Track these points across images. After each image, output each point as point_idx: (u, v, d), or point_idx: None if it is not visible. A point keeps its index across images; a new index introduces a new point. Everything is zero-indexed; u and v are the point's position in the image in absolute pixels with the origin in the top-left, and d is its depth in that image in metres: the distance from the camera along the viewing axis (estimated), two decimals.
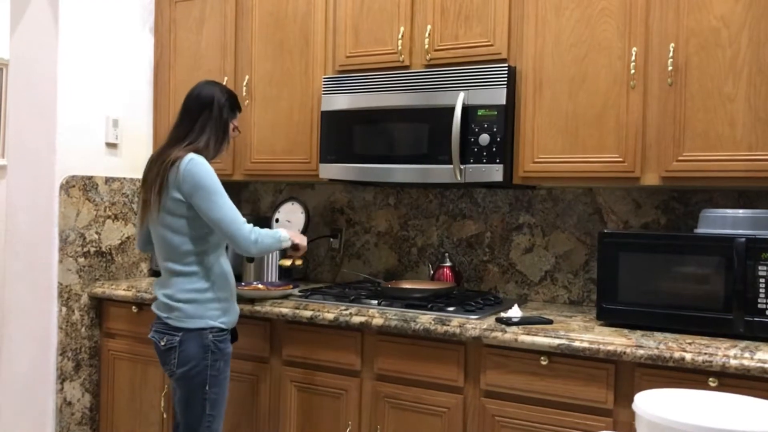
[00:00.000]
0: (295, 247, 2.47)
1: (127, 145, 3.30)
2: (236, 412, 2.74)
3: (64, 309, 3.01)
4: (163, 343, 2.28)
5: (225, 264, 2.36)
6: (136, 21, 3.32)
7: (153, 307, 2.37)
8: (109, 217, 3.19)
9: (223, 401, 2.33)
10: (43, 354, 3.01)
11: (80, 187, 3.06)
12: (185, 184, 2.19)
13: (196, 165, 2.20)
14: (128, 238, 3.28)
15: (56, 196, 2.99)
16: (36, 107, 3.06)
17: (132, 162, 3.32)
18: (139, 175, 3.30)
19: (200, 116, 2.32)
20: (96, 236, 3.14)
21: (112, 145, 3.23)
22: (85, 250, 3.09)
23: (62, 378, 3.02)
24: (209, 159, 2.30)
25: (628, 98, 2.37)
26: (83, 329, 3.09)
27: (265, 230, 2.31)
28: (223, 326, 2.30)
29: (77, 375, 3.07)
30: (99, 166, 3.17)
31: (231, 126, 2.41)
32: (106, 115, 3.20)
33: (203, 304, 2.27)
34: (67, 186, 3.01)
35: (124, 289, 3.02)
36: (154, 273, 3.38)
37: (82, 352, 3.09)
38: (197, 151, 2.26)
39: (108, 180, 3.19)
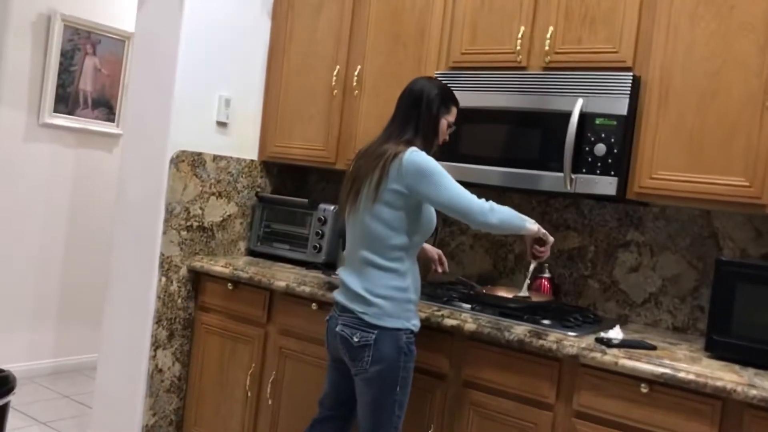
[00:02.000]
0: (540, 241, 2.34)
1: (237, 125, 3.36)
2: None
3: (163, 279, 3.10)
4: (356, 339, 2.18)
5: (418, 269, 2.31)
6: (256, 5, 3.37)
7: (340, 297, 2.28)
8: (213, 194, 3.27)
9: (406, 404, 2.27)
10: (141, 320, 3.11)
11: (189, 162, 3.15)
12: (408, 175, 2.14)
13: (418, 155, 2.16)
14: (229, 216, 3.35)
15: (166, 170, 3.08)
16: (155, 82, 3.16)
17: (240, 142, 3.38)
18: (245, 155, 3.40)
19: (410, 112, 2.26)
20: (200, 211, 3.22)
21: (222, 124, 3.30)
22: (188, 224, 3.18)
23: (156, 345, 3.12)
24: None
25: (761, 119, 2.22)
26: (179, 300, 3.17)
27: (507, 208, 2.21)
28: (414, 329, 2.26)
29: (170, 344, 3.17)
30: (208, 144, 3.24)
31: (444, 122, 2.31)
32: (219, 95, 3.27)
33: (401, 304, 2.20)
34: (177, 160, 3.10)
35: (221, 266, 3.09)
36: (251, 252, 3.45)
37: (176, 323, 3.18)
38: (412, 146, 2.20)
39: (216, 158, 3.26)
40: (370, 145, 2.32)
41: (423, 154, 2.17)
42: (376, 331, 2.17)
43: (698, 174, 2.31)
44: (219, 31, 3.23)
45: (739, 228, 2.56)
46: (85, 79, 4.33)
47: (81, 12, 4.24)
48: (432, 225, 2.29)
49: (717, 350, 2.16)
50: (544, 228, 2.75)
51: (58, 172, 4.30)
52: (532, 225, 2.28)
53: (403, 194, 2.16)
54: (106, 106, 4.45)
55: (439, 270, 2.57)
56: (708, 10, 2.32)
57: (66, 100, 4.25)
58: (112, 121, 4.49)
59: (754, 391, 1.91)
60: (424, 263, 2.52)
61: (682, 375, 2.01)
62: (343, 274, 2.31)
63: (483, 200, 2.17)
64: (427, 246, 2.54)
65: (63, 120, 4.25)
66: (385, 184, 2.17)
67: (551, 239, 2.34)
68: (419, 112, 2.25)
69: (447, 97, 2.31)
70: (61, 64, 4.18)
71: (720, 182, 2.28)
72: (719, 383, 1.95)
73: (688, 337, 2.53)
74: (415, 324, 2.26)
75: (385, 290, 2.19)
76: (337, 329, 2.25)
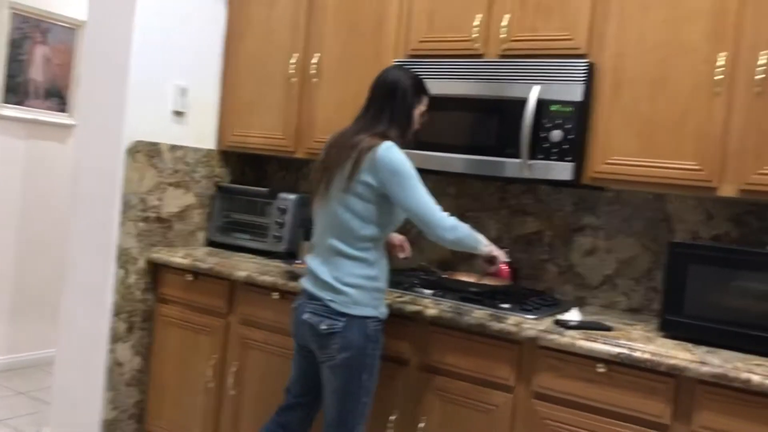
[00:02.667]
0: (491, 260, 2.38)
1: (194, 114, 3.32)
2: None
3: (121, 271, 3.06)
4: (324, 327, 2.20)
5: (386, 258, 2.32)
6: None
7: (308, 285, 2.29)
8: (171, 184, 3.23)
9: (373, 391, 2.29)
10: (99, 313, 3.07)
11: (145, 152, 3.10)
12: (382, 171, 2.15)
13: (394, 152, 2.17)
14: (188, 206, 3.32)
15: (122, 161, 3.03)
16: (108, 71, 3.10)
17: (197, 131, 3.34)
18: (202, 145, 3.36)
19: (385, 103, 2.27)
20: (157, 202, 3.17)
21: (178, 113, 3.26)
22: (146, 215, 3.13)
23: (115, 339, 3.07)
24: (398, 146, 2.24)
25: (711, 105, 2.28)
26: (138, 293, 3.14)
27: (467, 227, 2.25)
28: (381, 317, 2.28)
29: (129, 337, 3.13)
30: (165, 134, 3.20)
31: (417, 111, 2.33)
32: (175, 84, 3.22)
33: (369, 292, 2.22)
34: (133, 151, 3.05)
35: (181, 257, 3.06)
36: (210, 243, 3.42)
37: (136, 315, 3.14)
38: (387, 139, 2.21)
39: (173, 147, 3.22)
40: (342, 134, 2.31)
41: (399, 151, 2.19)
42: (344, 319, 2.19)
43: (651, 158, 2.37)
44: (174, 20, 3.18)
45: (690, 211, 2.63)
46: (35, 69, 4.22)
47: (30, 0, 4.14)
48: (402, 217, 2.30)
49: (671, 330, 2.23)
50: (503, 212, 2.79)
51: (8, 163, 4.19)
52: (484, 247, 2.32)
53: (375, 187, 2.18)
54: (57, 96, 4.35)
55: (401, 256, 2.59)
56: None
57: (16, 90, 4.14)
58: (65, 111, 4.39)
59: (705, 368, 1.97)
60: (387, 249, 2.54)
61: (637, 354, 2.07)
62: (311, 262, 2.31)
63: (447, 214, 2.20)
64: (391, 233, 2.56)
65: (13, 111, 4.14)
66: (357, 176, 2.17)
67: (502, 258, 2.38)
68: (394, 103, 2.26)
69: (420, 87, 2.33)
70: (9, 53, 4.07)
71: (672, 166, 2.34)
72: (673, 361, 2.02)
73: (643, 317, 2.60)
74: (383, 312, 2.28)
75: (354, 279, 2.20)
76: (305, 317, 2.25)
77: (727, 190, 2.27)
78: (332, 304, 2.20)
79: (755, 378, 1.91)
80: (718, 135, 2.27)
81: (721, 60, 2.25)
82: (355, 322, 2.19)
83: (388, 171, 2.15)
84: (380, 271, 2.26)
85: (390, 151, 2.17)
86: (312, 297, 2.26)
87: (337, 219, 2.23)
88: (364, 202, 2.19)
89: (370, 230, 2.21)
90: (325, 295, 2.22)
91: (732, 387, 1.95)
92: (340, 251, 2.22)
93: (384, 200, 2.20)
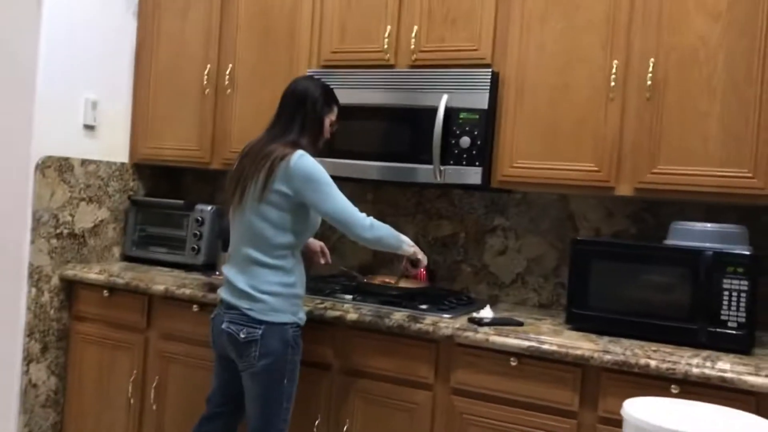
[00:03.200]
0: (414, 262, 2.43)
1: (105, 127, 3.27)
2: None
3: (33, 290, 2.98)
4: (243, 336, 2.22)
5: (302, 265, 2.36)
6: (120, 4, 3.29)
7: (225, 294, 2.31)
8: (83, 199, 3.17)
9: (294, 396, 2.31)
10: (10, 334, 2.98)
11: (56, 168, 3.04)
12: (296, 179, 2.19)
13: (306, 160, 2.21)
14: (102, 221, 3.26)
15: (31, 176, 2.96)
16: (15, 85, 3.02)
17: (109, 145, 3.29)
18: (115, 158, 3.32)
19: (295, 113, 2.31)
20: (70, 218, 3.11)
21: (89, 127, 3.21)
22: (58, 231, 3.07)
23: (28, 359, 2.99)
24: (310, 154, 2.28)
25: (606, 110, 2.44)
26: (52, 311, 3.06)
27: (388, 227, 2.32)
28: (300, 322, 2.31)
29: (44, 357, 3.05)
30: (75, 148, 3.14)
31: (328, 121, 2.39)
32: (85, 97, 3.17)
33: (287, 299, 2.26)
34: (43, 166, 2.98)
35: (96, 273, 3.01)
36: (126, 258, 3.37)
37: (50, 335, 3.06)
38: (299, 148, 2.25)
39: (84, 162, 3.16)
40: (254, 144, 2.35)
41: (311, 159, 2.24)
42: (262, 327, 2.22)
43: (554, 162, 2.51)
44: (82, 31, 3.13)
45: (592, 209, 2.79)
46: None
47: None
48: (317, 224, 2.36)
49: (576, 322, 2.36)
50: (419, 217, 2.89)
51: None
52: (408, 247, 2.40)
53: (289, 196, 2.22)
54: None
55: (322, 261, 2.64)
56: (556, 10, 2.51)
57: None
58: None
59: (608, 356, 2.11)
60: (308, 256, 2.59)
61: (546, 347, 2.19)
62: (227, 272, 2.33)
63: (365, 215, 2.27)
64: (310, 239, 2.60)
65: None
66: (271, 185, 2.21)
67: (424, 262, 2.46)
68: (304, 113, 2.32)
69: (330, 97, 2.39)
70: None
71: (573, 168, 2.48)
72: (578, 352, 2.15)
73: (552, 312, 2.73)
74: (301, 318, 2.32)
75: (271, 287, 2.24)
76: (223, 326, 2.27)
77: (624, 190, 2.43)
78: (250, 312, 2.23)
79: (652, 363, 2.06)
80: (614, 138, 2.42)
81: (614, 67, 2.41)
82: (273, 329, 2.23)
83: (302, 179, 2.20)
84: (297, 277, 2.31)
85: (303, 160, 2.22)
86: (230, 306, 2.28)
87: (252, 228, 2.26)
88: (279, 211, 2.23)
89: (285, 238, 2.26)
90: (242, 303, 2.25)
91: (633, 372, 2.09)
92: (256, 260, 2.25)
93: (299, 208, 2.25)
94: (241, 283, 2.26)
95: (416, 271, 2.48)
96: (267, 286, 2.24)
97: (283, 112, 2.35)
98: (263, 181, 2.22)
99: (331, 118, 2.41)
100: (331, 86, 2.74)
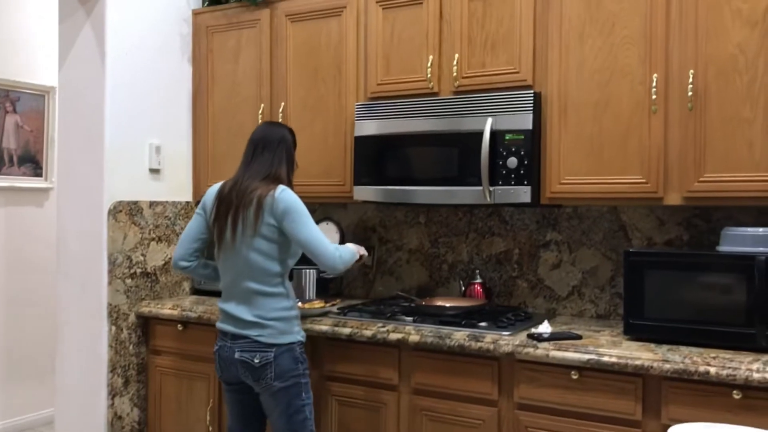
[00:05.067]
0: (359, 259, 2.67)
1: (169, 169, 3.47)
2: None
3: (113, 328, 3.18)
4: (257, 361, 2.41)
5: (290, 285, 2.58)
6: (176, 52, 3.49)
7: (228, 326, 2.49)
8: (153, 239, 3.36)
9: (311, 403, 2.51)
10: (95, 370, 3.17)
11: (126, 211, 3.23)
12: (278, 209, 2.41)
13: (288, 193, 2.45)
14: (171, 258, 3.44)
15: (105, 222, 3.16)
16: (84, 135, 3.23)
17: (173, 186, 3.48)
18: (180, 198, 3.50)
19: (276, 152, 2.54)
20: (142, 258, 3.30)
21: (155, 171, 3.40)
22: (132, 271, 3.26)
23: (113, 393, 3.18)
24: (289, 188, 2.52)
25: (650, 122, 2.49)
26: (131, 347, 3.25)
27: (342, 246, 2.56)
28: (303, 339, 2.52)
29: (126, 390, 3.23)
30: (143, 191, 3.34)
31: (295, 157, 2.65)
32: (149, 142, 3.37)
33: (290, 321, 2.47)
34: (115, 211, 3.18)
35: (169, 308, 3.18)
36: (196, 291, 3.54)
37: (131, 369, 3.25)
38: (280, 183, 2.49)
39: (152, 204, 3.36)
40: (235, 182, 2.54)
41: (292, 193, 2.47)
42: (273, 349, 2.42)
43: (601, 176, 2.57)
44: (142, 81, 3.33)
45: (643, 219, 2.83)
46: (7, 138, 4.33)
47: None
48: (299, 252, 2.53)
49: (634, 332, 2.41)
50: (472, 236, 2.99)
51: None
52: (357, 252, 2.60)
53: (275, 227, 2.43)
54: (32, 162, 4.46)
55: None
56: (594, 29, 2.58)
57: None
58: (40, 175, 4.50)
59: (668, 365, 2.15)
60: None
61: (605, 359, 2.24)
62: (227, 306, 2.51)
63: (334, 247, 2.47)
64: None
65: None
66: (261, 219, 2.42)
67: (363, 251, 2.66)
68: (281, 152, 2.56)
69: (294, 136, 2.67)
70: None
71: (620, 181, 2.53)
72: (638, 362, 2.20)
73: (610, 323, 2.78)
74: (303, 335, 2.54)
75: (276, 312, 2.45)
76: (236, 356, 2.45)
77: (673, 199, 2.47)
78: (261, 338, 2.43)
79: (712, 369, 2.09)
80: (659, 149, 2.47)
81: (654, 80, 2.46)
82: (284, 350, 2.43)
83: (283, 209, 2.41)
84: (292, 300, 2.53)
85: (285, 193, 2.45)
86: (237, 336, 2.46)
87: (249, 262, 2.45)
88: (270, 243, 2.44)
89: (278, 267, 2.47)
90: (251, 332, 2.44)
91: (693, 380, 2.13)
92: (258, 291, 2.45)
93: (284, 238, 2.45)
94: (246, 314, 2.45)
95: (361, 262, 2.67)
96: (273, 313, 2.44)
97: (258, 153, 2.55)
98: (254, 217, 2.43)
99: (294, 155, 2.65)
100: (380, 116, 2.90)
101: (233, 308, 2.48)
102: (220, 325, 2.54)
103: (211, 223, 2.55)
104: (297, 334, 2.49)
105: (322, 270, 2.81)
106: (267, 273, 2.45)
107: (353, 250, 2.58)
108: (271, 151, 2.55)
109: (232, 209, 2.47)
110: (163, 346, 3.25)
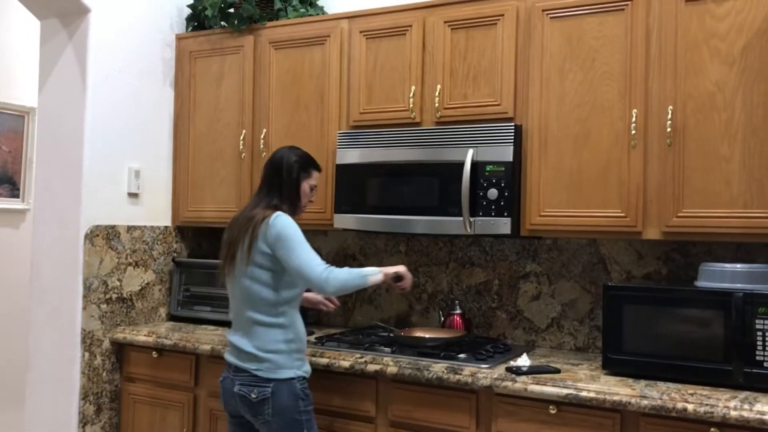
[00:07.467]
0: (398, 278, 2.53)
1: (148, 194, 3.43)
2: None
3: (87, 354, 3.12)
4: (254, 396, 2.35)
5: (300, 318, 2.48)
6: (158, 76, 3.48)
7: (232, 358, 2.44)
8: (130, 264, 3.32)
9: None
10: (66, 398, 3.10)
11: (103, 236, 3.19)
12: (270, 236, 2.35)
13: (282, 219, 2.38)
14: (148, 283, 3.40)
15: (81, 246, 3.11)
16: (63, 157, 3.19)
17: (152, 210, 3.45)
18: (158, 223, 3.47)
19: (274, 179, 2.50)
20: (118, 283, 3.25)
21: (133, 195, 3.36)
22: (107, 296, 3.21)
23: (84, 422, 3.11)
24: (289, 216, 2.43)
25: (629, 157, 2.50)
26: (104, 374, 3.19)
27: (345, 269, 2.41)
28: (306, 375, 2.44)
29: (98, 418, 3.17)
30: (121, 215, 3.30)
31: (306, 185, 2.54)
32: (128, 166, 3.34)
33: (290, 355, 2.39)
34: (92, 235, 3.14)
35: (144, 335, 3.13)
36: (172, 317, 3.50)
37: (103, 396, 3.18)
38: (278, 210, 2.42)
39: (130, 228, 3.32)
40: (242, 211, 2.52)
41: (287, 218, 2.39)
42: (271, 384, 2.35)
43: (580, 209, 2.58)
44: (123, 105, 3.31)
45: (622, 252, 2.84)
46: None
47: None
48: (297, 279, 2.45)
49: (612, 367, 2.40)
50: (452, 265, 2.98)
51: None
52: (375, 277, 2.46)
53: (270, 255, 2.37)
54: (9, 183, 4.41)
55: (325, 309, 2.74)
56: (574, 63, 2.61)
57: None
58: (17, 197, 4.44)
59: (645, 401, 2.15)
60: (315, 307, 2.76)
61: (584, 394, 2.23)
62: (231, 336, 2.47)
63: (323, 268, 2.35)
64: (307, 294, 2.69)
65: None
66: (255, 247, 2.37)
67: (409, 275, 2.54)
68: (281, 179, 2.49)
69: (306, 163, 2.56)
70: None
71: (600, 215, 2.55)
72: (616, 398, 2.19)
73: (589, 356, 2.77)
74: (306, 371, 2.45)
75: (274, 345, 2.37)
76: (235, 389, 2.39)
77: (651, 234, 2.48)
78: (258, 373, 2.36)
79: (690, 406, 2.09)
80: (638, 184, 2.49)
81: (634, 116, 2.48)
82: (283, 385, 2.35)
83: (275, 235, 2.35)
84: (296, 332, 2.43)
85: (278, 219, 2.38)
86: (238, 369, 2.41)
87: (247, 291, 2.40)
88: (266, 271, 2.38)
89: (279, 295, 2.39)
90: (249, 365, 2.38)
91: (670, 417, 2.12)
92: (258, 321, 2.39)
93: (280, 265, 2.38)
94: (246, 346, 2.39)
95: (402, 285, 2.54)
96: (271, 345, 2.37)
97: (264, 180, 2.53)
98: (248, 244, 2.38)
99: (309, 183, 2.55)
100: (362, 145, 2.89)
101: (237, 339, 2.43)
102: (225, 356, 2.49)
103: (220, 251, 2.52)
104: (298, 369, 2.40)
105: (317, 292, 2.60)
106: (266, 302, 2.38)
107: (363, 273, 2.43)
108: (272, 178, 2.50)
109: (233, 237, 2.44)
110: (138, 373, 3.19)
